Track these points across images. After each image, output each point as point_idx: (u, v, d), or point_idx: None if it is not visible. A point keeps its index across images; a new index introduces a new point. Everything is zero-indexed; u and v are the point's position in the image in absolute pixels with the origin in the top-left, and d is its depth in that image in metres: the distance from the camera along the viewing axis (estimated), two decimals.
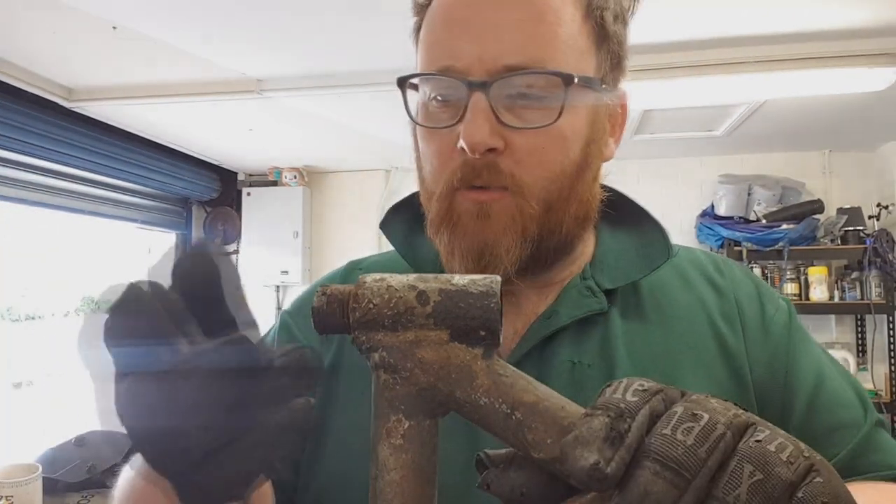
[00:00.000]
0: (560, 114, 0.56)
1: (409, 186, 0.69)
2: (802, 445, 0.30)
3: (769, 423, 0.31)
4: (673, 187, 3.95)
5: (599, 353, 0.60)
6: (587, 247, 0.67)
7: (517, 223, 0.57)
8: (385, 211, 0.71)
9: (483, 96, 0.55)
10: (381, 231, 0.70)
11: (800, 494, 0.28)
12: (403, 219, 0.70)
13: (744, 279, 0.67)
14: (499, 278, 0.36)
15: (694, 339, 0.61)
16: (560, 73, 0.55)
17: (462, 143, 0.55)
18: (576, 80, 0.56)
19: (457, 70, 0.56)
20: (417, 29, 0.63)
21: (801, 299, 3.54)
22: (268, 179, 4.21)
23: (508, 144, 0.56)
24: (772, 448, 0.29)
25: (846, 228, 3.53)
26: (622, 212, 0.67)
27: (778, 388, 0.61)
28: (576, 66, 0.57)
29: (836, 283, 3.58)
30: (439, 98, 0.59)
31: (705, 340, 0.61)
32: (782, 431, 0.30)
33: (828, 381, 0.61)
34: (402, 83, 0.60)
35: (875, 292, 3.44)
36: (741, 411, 0.31)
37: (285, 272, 4.08)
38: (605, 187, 0.66)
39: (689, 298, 0.64)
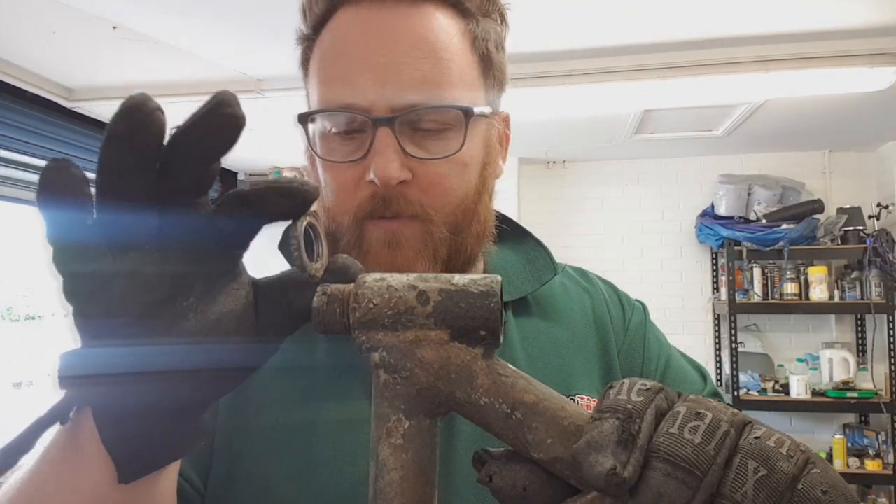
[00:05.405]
0: (463, 144, 0.60)
1: None
2: (796, 440, 0.30)
3: (759, 420, 0.31)
4: (673, 187, 3.94)
5: (501, 353, 0.64)
6: (479, 263, 0.71)
7: (428, 247, 0.60)
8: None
9: (389, 131, 0.57)
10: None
11: (800, 486, 0.28)
12: None
13: (606, 287, 0.77)
14: (499, 278, 0.35)
15: (575, 333, 0.70)
16: (460, 106, 0.59)
17: (373, 177, 0.57)
18: (474, 112, 0.60)
19: (360, 107, 0.58)
20: (306, 59, 0.65)
21: (801, 299, 3.54)
22: (268, 179, 4.20)
23: (414, 175, 0.59)
24: (771, 443, 0.29)
25: (846, 228, 3.53)
26: (504, 231, 0.72)
27: (636, 372, 0.71)
28: (469, 97, 0.61)
29: (836, 282, 3.58)
30: (341, 132, 0.60)
31: (586, 333, 0.70)
32: (773, 428, 0.31)
33: (673, 361, 0.73)
34: (304, 119, 0.62)
35: (875, 292, 3.44)
36: (736, 409, 0.31)
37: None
38: None
39: (568, 302, 0.72)
